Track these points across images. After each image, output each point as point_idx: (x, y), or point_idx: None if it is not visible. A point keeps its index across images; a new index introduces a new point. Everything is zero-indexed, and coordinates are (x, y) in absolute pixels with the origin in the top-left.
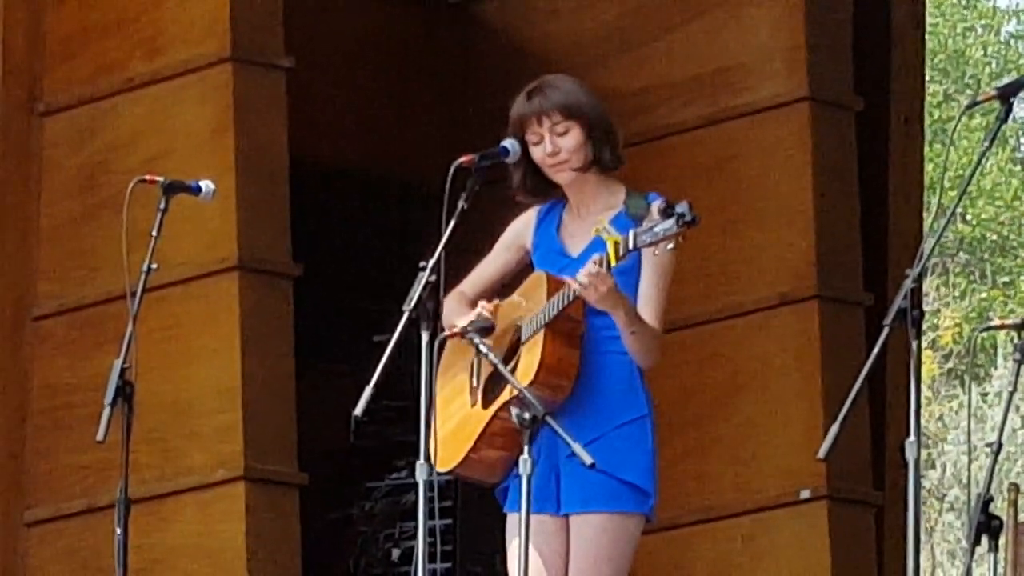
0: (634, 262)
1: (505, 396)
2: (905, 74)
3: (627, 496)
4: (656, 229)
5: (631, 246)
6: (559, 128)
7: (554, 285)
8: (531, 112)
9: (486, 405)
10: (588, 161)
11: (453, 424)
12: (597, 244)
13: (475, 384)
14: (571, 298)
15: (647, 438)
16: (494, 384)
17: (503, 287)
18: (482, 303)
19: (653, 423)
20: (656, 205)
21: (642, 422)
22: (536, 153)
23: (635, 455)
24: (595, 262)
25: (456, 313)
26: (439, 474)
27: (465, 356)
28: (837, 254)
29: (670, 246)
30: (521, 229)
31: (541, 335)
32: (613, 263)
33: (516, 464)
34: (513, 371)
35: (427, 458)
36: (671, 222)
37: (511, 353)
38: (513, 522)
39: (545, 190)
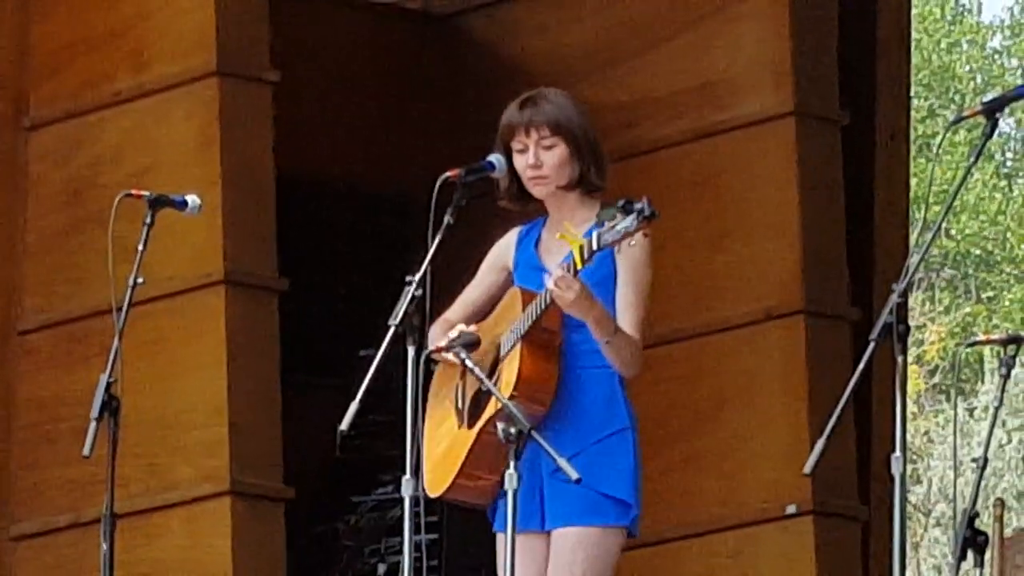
0: (610, 272)
1: (489, 412)
2: (890, 89)
3: (607, 509)
4: (618, 227)
5: (595, 247)
6: (545, 142)
7: (527, 298)
8: (520, 122)
9: (471, 425)
10: (571, 180)
11: (442, 448)
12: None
13: (460, 405)
14: (543, 307)
15: (629, 450)
16: (478, 403)
17: (491, 310)
18: (460, 326)
19: (636, 436)
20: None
21: (623, 435)
22: (519, 162)
23: (616, 468)
24: (561, 267)
25: (441, 340)
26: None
27: (453, 380)
28: (823, 269)
29: (632, 243)
30: (503, 250)
31: (518, 348)
32: (579, 266)
33: (504, 482)
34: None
35: (414, 473)
36: (631, 218)
37: (492, 371)
38: (503, 542)
39: (528, 197)
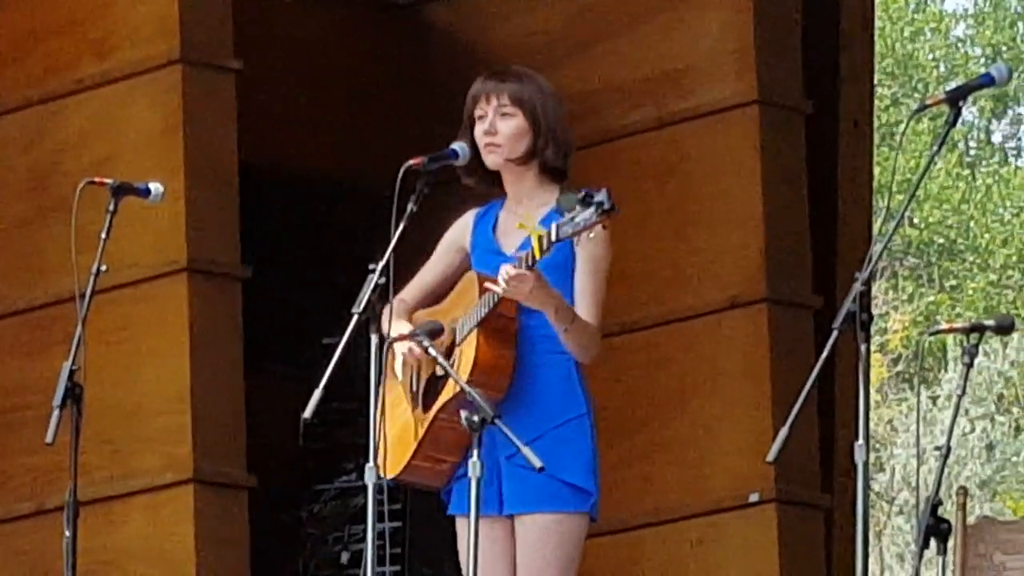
0: (567, 257)
1: (445, 397)
2: (854, 77)
3: (567, 496)
4: (577, 220)
5: (554, 238)
6: (504, 110)
7: (484, 283)
8: (482, 91)
9: (426, 409)
10: (525, 153)
11: (396, 430)
12: (530, 240)
13: (414, 388)
14: (499, 296)
15: (586, 437)
16: (433, 387)
17: (446, 292)
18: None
19: (592, 421)
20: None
21: (580, 421)
22: (477, 130)
23: (574, 455)
24: (512, 265)
25: (394, 321)
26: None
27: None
28: (786, 257)
29: (591, 235)
30: (459, 232)
31: (474, 335)
32: (538, 257)
33: (459, 466)
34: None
35: (375, 461)
36: (591, 211)
37: (448, 356)
38: (462, 524)
39: (490, 175)
